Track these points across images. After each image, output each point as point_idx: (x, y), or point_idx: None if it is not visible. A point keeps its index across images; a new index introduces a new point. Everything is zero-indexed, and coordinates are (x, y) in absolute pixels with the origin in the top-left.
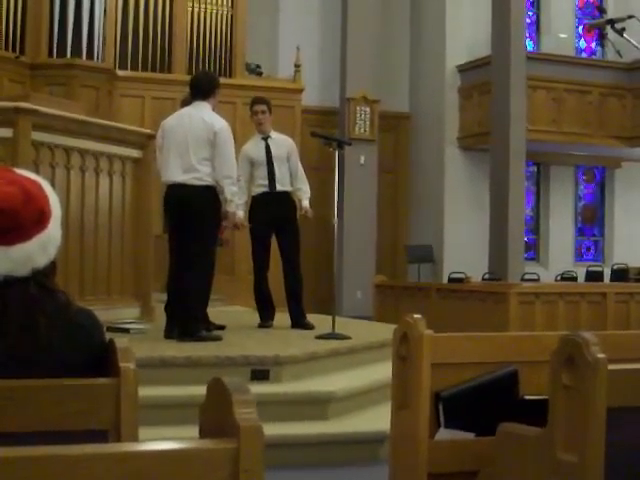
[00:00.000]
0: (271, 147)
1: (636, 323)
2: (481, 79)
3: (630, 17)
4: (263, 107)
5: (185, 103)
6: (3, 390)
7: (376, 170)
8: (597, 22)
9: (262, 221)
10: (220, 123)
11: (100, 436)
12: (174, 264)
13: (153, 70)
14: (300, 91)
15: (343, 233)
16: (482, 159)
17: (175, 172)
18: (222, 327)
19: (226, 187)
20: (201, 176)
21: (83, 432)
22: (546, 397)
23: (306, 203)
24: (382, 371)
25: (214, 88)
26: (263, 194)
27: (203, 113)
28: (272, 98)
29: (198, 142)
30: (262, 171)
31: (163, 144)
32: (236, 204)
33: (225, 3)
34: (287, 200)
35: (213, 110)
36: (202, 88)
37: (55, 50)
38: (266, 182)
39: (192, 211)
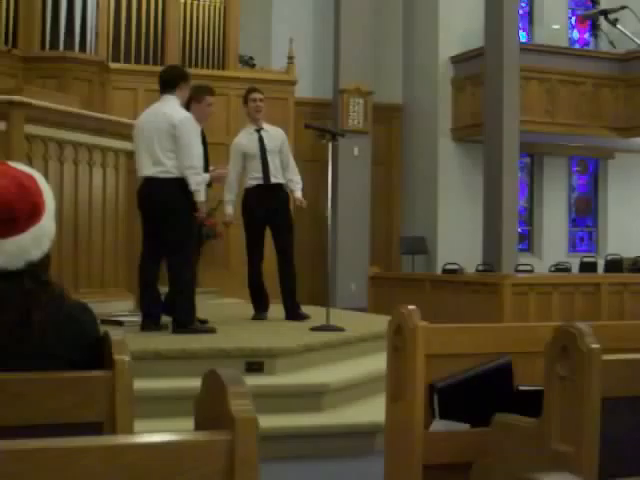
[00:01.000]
0: (265, 139)
1: (630, 314)
2: (474, 70)
3: (623, 8)
4: (261, 95)
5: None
6: None
7: (369, 162)
8: (590, 13)
9: (256, 213)
10: (180, 115)
11: (95, 429)
12: (146, 259)
13: (146, 62)
14: (293, 83)
15: (337, 225)
16: (475, 150)
17: (144, 166)
18: (204, 321)
19: (190, 178)
20: (167, 169)
21: (78, 425)
22: (541, 387)
23: (299, 194)
24: (376, 362)
25: (178, 81)
26: (257, 187)
27: (166, 107)
28: (265, 90)
29: (161, 135)
30: (256, 164)
31: (135, 141)
32: (202, 193)
33: None
34: (280, 192)
35: (182, 103)
36: (167, 82)
37: (48, 43)
38: (260, 175)
39: (161, 204)
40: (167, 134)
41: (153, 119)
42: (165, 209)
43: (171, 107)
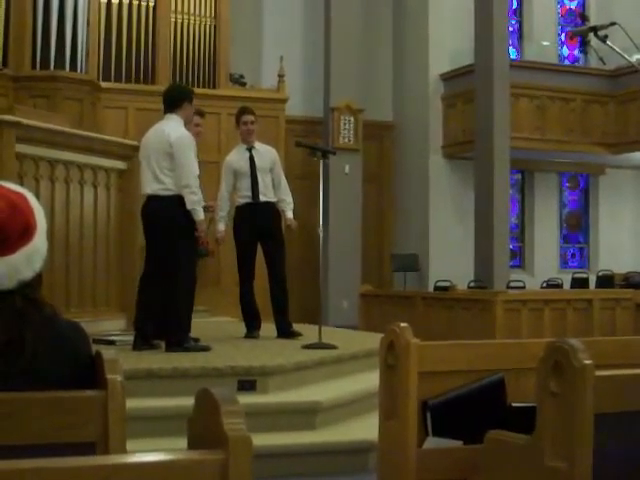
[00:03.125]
0: (255, 158)
1: (622, 329)
2: (465, 87)
3: (612, 24)
4: (253, 117)
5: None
6: None
7: (361, 179)
8: (580, 29)
9: (246, 232)
10: (177, 133)
11: (88, 448)
12: (146, 276)
13: (137, 81)
14: (284, 101)
15: (328, 242)
16: (466, 167)
17: (146, 184)
18: (196, 340)
19: (186, 197)
20: (166, 186)
21: (71, 445)
22: (533, 404)
23: (290, 214)
24: (369, 380)
25: (181, 101)
26: (246, 205)
27: (166, 126)
28: (256, 108)
29: (158, 154)
30: (246, 182)
31: (140, 159)
32: (200, 212)
33: (208, 14)
34: (271, 210)
35: (186, 122)
36: (170, 101)
37: (38, 62)
38: (249, 193)
39: (162, 221)
40: (164, 152)
41: (153, 138)
42: (166, 226)
43: (170, 126)
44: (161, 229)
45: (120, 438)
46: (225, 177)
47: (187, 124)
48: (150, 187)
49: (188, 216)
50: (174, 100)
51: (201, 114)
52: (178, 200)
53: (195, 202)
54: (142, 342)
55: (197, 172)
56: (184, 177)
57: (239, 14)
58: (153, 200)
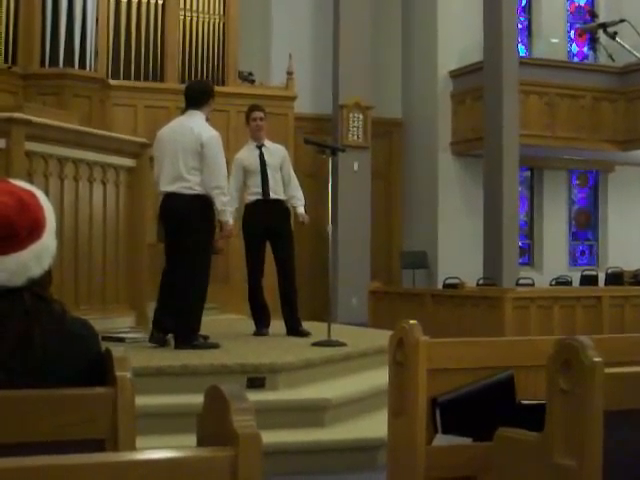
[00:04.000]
0: (265, 155)
1: (631, 326)
2: (474, 84)
3: (622, 21)
4: (262, 114)
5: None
6: None
7: (369, 176)
8: (589, 26)
9: (256, 229)
10: (208, 133)
11: (97, 446)
12: (167, 272)
13: (146, 79)
14: (293, 98)
15: (337, 240)
16: (475, 164)
17: (167, 182)
18: (206, 337)
19: (216, 198)
20: (190, 185)
21: (80, 442)
22: (543, 401)
23: (301, 210)
24: (378, 377)
25: (207, 97)
26: (256, 202)
27: (193, 123)
28: (265, 106)
29: (186, 152)
30: (256, 179)
31: (158, 154)
32: (230, 213)
33: (217, 11)
34: (280, 208)
35: (207, 119)
36: (194, 97)
37: (47, 60)
38: (260, 190)
39: (182, 220)
40: (194, 151)
41: (179, 134)
42: (185, 225)
43: (198, 124)
44: (180, 227)
45: (129, 435)
46: (234, 174)
47: (207, 120)
48: (171, 185)
49: (209, 216)
50: (199, 97)
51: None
52: (200, 199)
53: (225, 203)
54: (158, 336)
55: (226, 173)
56: (215, 178)
57: (248, 11)
58: (173, 197)
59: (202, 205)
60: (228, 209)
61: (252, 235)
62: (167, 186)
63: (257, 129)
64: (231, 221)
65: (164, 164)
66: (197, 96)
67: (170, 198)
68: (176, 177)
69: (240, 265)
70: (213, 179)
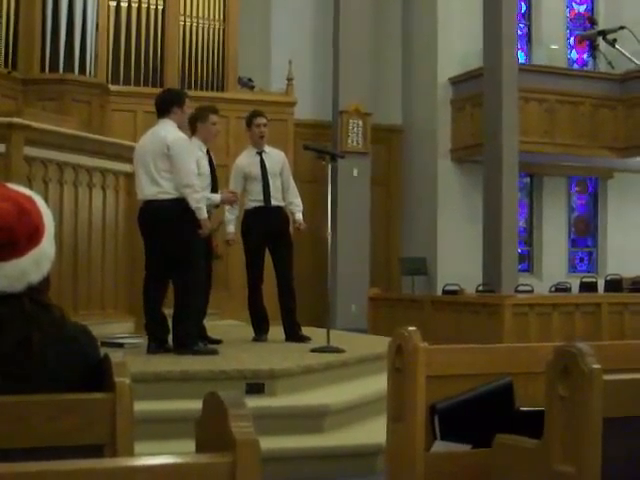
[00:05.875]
0: (266, 162)
1: (631, 333)
2: (473, 91)
3: (621, 28)
4: (265, 120)
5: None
6: None
7: (369, 183)
8: (588, 33)
9: (256, 235)
10: (173, 135)
11: (96, 451)
12: (148, 279)
13: (145, 84)
14: (293, 104)
15: (337, 246)
16: (475, 171)
17: (144, 189)
18: (219, 341)
19: (188, 197)
20: (166, 189)
21: (79, 447)
22: (542, 408)
23: (299, 216)
24: (377, 384)
25: (171, 106)
26: (257, 208)
27: (161, 129)
28: (265, 111)
29: (155, 155)
30: (257, 186)
31: (135, 166)
32: (203, 210)
33: (217, 17)
34: (281, 214)
35: (180, 126)
36: (160, 107)
37: (47, 65)
38: (261, 197)
39: (162, 225)
40: (161, 155)
41: (149, 142)
42: (167, 230)
43: (166, 129)
44: (163, 233)
45: (128, 441)
46: (234, 180)
47: (181, 128)
48: (148, 191)
49: (189, 217)
50: (164, 106)
51: (215, 111)
52: (177, 202)
53: (199, 200)
54: (156, 346)
55: (202, 171)
56: (184, 177)
57: (248, 17)
58: (152, 204)
59: (180, 209)
60: (202, 206)
61: (252, 241)
62: (144, 193)
63: (260, 135)
64: (231, 228)
65: (139, 173)
66: (162, 106)
67: (148, 205)
68: (151, 182)
69: (239, 271)
70: (182, 178)
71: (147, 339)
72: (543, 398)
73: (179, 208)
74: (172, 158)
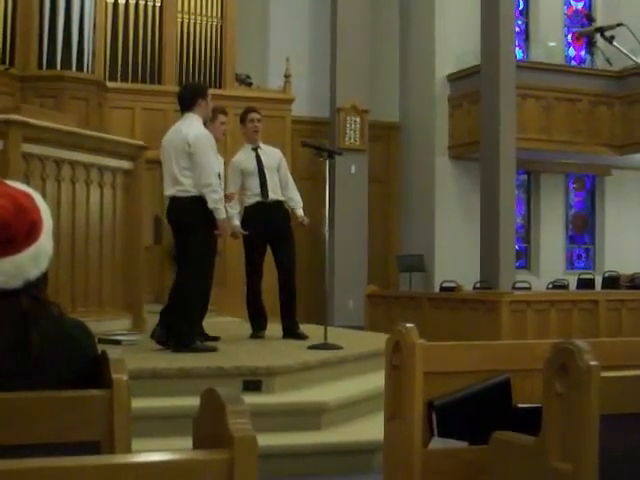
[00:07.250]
0: (261, 157)
1: (628, 330)
2: (471, 88)
3: (619, 25)
4: (259, 115)
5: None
6: None
7: (366, 180)
8: (586, 30)
9: (257, 231)
10: (195, 132)
11: (93, 448)
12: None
13: (143, 81)
14: (290, 101)
15: (334, 243)
16: (472, 168)
17: (167, 185)
18: (216, 338)
19: (207, 196)
20: (185, 188)
21: (76, 444)
22: (539, 405)
23: (300, 212)
24: (375, 381)
25: (196, 98)
26: (257, 204)
27: (184, 125)
28: (262, 108)
29: (177, 152)
30: (254, 181)
31: (162, 160)
32: (222, 210)
33: (215, 14)
34: (281, 209)
35: (205, 120)
36: (183, 101)
37: (45, 62)
38: (259, 191)
39: (180, 223)
40: (183, 152)
41: (173, 138)
42: (181, 227)
43: (188, 125)
44: (178, 229)
45: (125, 437)
46: (232, 178)
47: (206, 122)
48: (170, 189)
49: (207, 217)
50: (188, 99)
51: (224, 112)
52: (196, 201)
53: (217, 201)
54: (160, 333)
55: (217, 171)
56: (204, 176)
57: (246, 14)
58: (173, 201)
59: (198, 207)
60: (220, 207)
61: (253, 237)
62: (168, 190)
63: (254, 130)
64: (236, 221)
65: (164, 169)
66: (186, 100)
67: (171, 202)
68: (173, 180)
69: (237, 267)
70: (202, 177)
71: (156, 325)
72: (540, 395)
73: (196, 206)
74: (193, 156)
